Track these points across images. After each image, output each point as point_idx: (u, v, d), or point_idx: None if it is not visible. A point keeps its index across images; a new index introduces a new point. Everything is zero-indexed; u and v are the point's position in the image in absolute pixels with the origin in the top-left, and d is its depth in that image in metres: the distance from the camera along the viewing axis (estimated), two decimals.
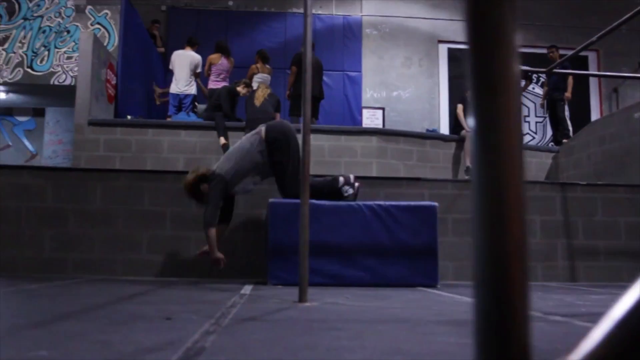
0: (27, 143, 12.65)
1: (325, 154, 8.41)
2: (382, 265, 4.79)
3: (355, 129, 8.86)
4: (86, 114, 8.16)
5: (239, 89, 8.74)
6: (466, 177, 8.72)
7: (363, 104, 13.47)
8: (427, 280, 4.79)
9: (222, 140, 8.07)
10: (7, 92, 10.02)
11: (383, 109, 13.53)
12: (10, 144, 12.67)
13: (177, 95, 9.60)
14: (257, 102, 8.09)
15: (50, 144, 11.96)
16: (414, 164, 8.71)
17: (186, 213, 5.66)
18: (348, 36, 13.45)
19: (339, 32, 13.42)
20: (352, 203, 4.81)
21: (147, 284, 4.61)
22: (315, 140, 8.42)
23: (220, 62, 9.83)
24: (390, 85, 13.56)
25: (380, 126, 13.23)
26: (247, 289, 4.20)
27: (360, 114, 13.50)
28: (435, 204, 4.94)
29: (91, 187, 5.62)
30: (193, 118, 8.68)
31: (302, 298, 3.12)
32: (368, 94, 13.46)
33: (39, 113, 12.39)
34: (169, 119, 9.45)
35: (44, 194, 5.57)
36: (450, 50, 13.90)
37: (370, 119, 13.48)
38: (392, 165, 8.57)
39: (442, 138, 9.01)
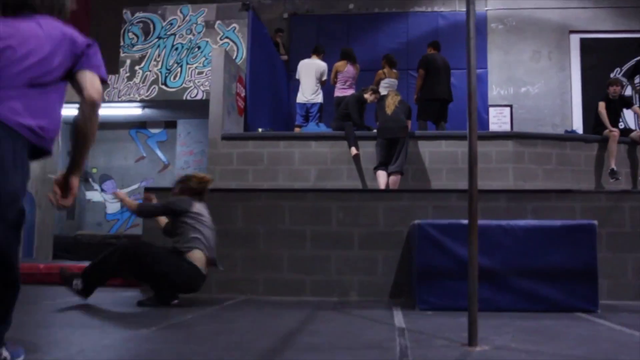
0: (160, 154, 13.22)
1: (459, 160, 8.12)
2: (536, 289, 4.50)
3: (489, 133, 8.49)
4: (219, 128, 8.34)
5: (366, 95, 8.63)
6: (611, 180, 8.15)
7: (489, 102, 12.96)
8: (586, 305, 4.45)
9: (354, 150, 7.98)
10: (142, 107, 10.49)
11: (511, 106, 12.94)
12: (145, 155, 13.29)
13: (304, 104, 9.62)
14: (389, 110, 7.94)
15: (182, 155, 12.42)
16: (553, 168, 8.23)
17: (326, 231, 5.62)
18: None
19: (463, 29, 12.95)
20: (503, 223, 4.55)
21: (292, 306, 4.58)
22: (448, 147, 8.18)
23: (347, 69, 9.75)
24: (517, 81, 12.96)
25: (508, 125, 12.69)
26: (399, 318, 4.07)
27: (487, 113, 12.99)
28: (594, 222, 4.58)
29: (233, 207, 5.70)
30: (323, 128, 8.66)
31: (472, 341, 2.93)
32: (494, 91, 12.94)
33: (170, 125, 12.90)
34: (297, 130, 9.51)
35: None
36: (582, 41, 13.07)
37: (497, 117, 12.94)
38: (531, 171, 8.14)
39: (584, 139, 8.45)
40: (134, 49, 10.14)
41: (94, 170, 13.46)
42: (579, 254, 4.49)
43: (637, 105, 9.03)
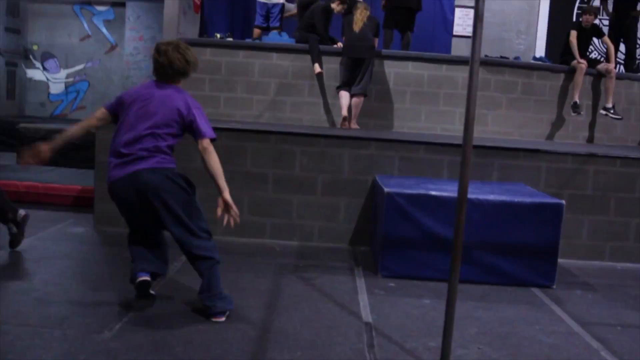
0: (106, 33, 12.38)
1: (424, 84, 7.89)
2: (497, 263, 4.52)
3: (457, 57, 8.21)
4: (174, 31, 7.80)
5: (333, 5, 8.11)
6: (572, 114, 8.12)
7: (456, 2, 12.49)
8: (543, 281, 4.53)
9: (317, 67, 7.61)
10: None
11: None
12: (90, 33, 12.42)
13: (265, 4, 9.02)
14: (356, 26, 7.50)
15: (132, 41, 11.64)
16: (517, 97, 8.11)
17: (289, 175, 5.44)
18: None
19: None
20: (473, 197, 4.46)
21: (253, 256, 4.49)
22: (414, 69, 7.91)
23: None
24: None
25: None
26: (362, 287, 4.09)
27: (453, 14, 12.57)
28: (562, 202, 4.56)
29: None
30: (285, 38, 8.17)
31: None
32: None
33: (118, 4, 11.98)
34: (256, 31, 8.97)
35: None
36: None
37: (463, 18, 12.55)
38: (495, 99, 8.01)
39: (551, 69, 8.26)
40: None
41: (35, 47, 12.58)
42: (543, 232, 4.49)
43: (607, 35, 8.79)
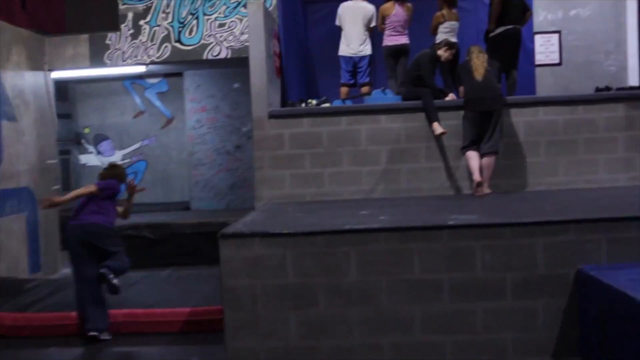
0: (161, 107, 11.48)
1: (560, 131, 6.73)
2: None
3: (594, 96, 7.06)
4: (265, 104, 6.78)
5: (440, 52, 7.06)
6: None
7: (535, 29, 11.34)
8: None
9: (438, 128, 6.51)
10: (146, 66, 8.67)
11: (559, 32, 11.41)
12: (144, 109, 11.54)
13: (351, 58, 7.99)
14: (478, 74, 6.41)
15: (193, 112, 10.71)
16: None
17: (468, 278, 4.28)
18: None
19: None
20: None
21: None
22: (547, 114, 6.78)
23: (395, 11, 8.06)
24: (566, 2, 11.32)
25: (557, 54, 11.27)
26: None
27: (532, 42, 11.43)
28: None
29: (343, 254, 4.30)
30: (390, 96, 7.11)
31: None
32: (541, 16, 11.26)
33: (171, 74, 11.10)
34: (344, 90, 7.94)
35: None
36: None
37: (545, 45, 11.43)
38: None
39: None
40: None
41: (87, 131, 11.72)
42: None
43: None
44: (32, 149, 7.98)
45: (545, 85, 11.19)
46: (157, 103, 11.58)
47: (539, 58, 11.41)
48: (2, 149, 7.35)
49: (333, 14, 8.54)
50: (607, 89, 8.30)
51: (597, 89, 8.42)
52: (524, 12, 8.11)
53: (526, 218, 4.42)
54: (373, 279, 4.28)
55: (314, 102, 7.20)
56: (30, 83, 8.06)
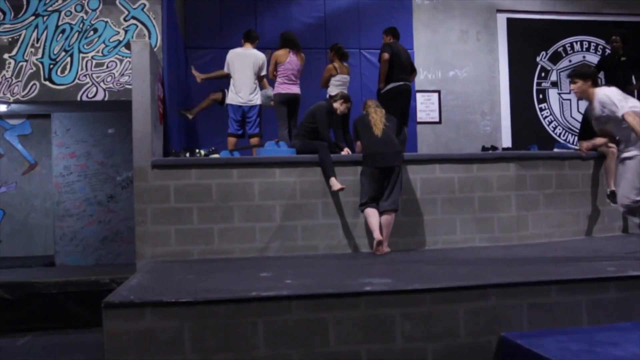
0: (23, 151, 10.37)
1: (455, 189, 6.66)
2: None
3: (489, 155, 7.09)
4: (148, 152, 6.16)
5: (336, 105, 6.83)
6: (612, 204, 7.17)
7: (417, 87, 11.59)
8: None
9: (336, 183, 6.19)
10: (8, 105, 7.70)
11: (439, 92, 11.72)
12: (3, 152, 10.36)
13: (240, 107, 7.59)
14: (377, 129, 6.22)
15: (61, 158, 9.70)
16: (553, 192, 7.06)
17: (388, 350, 3.90)
18: (396, 7, 11.46)
19: (385, 4, 11.41)
20: None
21: None
22: (443, 172, 6.69)
23: (289, 59, 7.81)
24: (445, 63, 11.66)
25: (437, 112, 11.58)
26: None
27: (414, 99, 11.66)
28: None
29: (250, 324, 3.78)
30: (284, 149, 6.73)
31: None
32: (422, 75, 11.54)
33: (35, 116, 10.08)
34: (231, 140, 7.49)
35: None
36: (509, 21, 12.07)
37: (425, 104, 11.69)
38: (533, 197, 6.91)
39: (579, 157, 7.30)
40: (1, 29, 7.33)
41: None
42: None
43: None
44: None
45: (427, 142, 11.41)
46: (19, 146, 10.45)
47: (420, 116, 11.66)
48: None
49: (216, 60, 8.17)
50: (493, 148, 8.50)
51: (484, 148, 8.61)
52: (412, 72, 8.23)
53: (444, 282, 4.13)
54: (283, 353, 3.78)
55: (203, 152, 6.68)
56: None
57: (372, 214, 6.07)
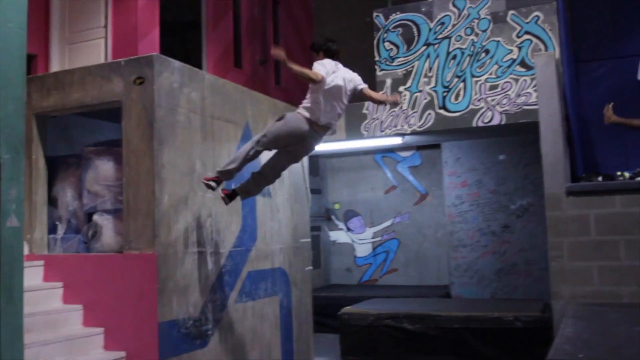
0: (414, 182, 10.60)
1: None
2: None
3: None
4: (561, 178, 5.44)
5: None
6: None
7: None
8: None
9: None
10: (403, 137, 7.82)
11: None
12: (396, 184, 10.74)
13: None
14: None
15: (452, 188, 9.63)
16: None
17: None
18: None
19: None
20: None
21: None
22: None
23: None
24: None
25: None
26: None
27: None
28: None
29: None
30: None
31: None
32: None
33: (424, 147, 10.21)
34: None
35: None
36: None
37: None
38: None
39: None
40: (395, 63, 7.48)
41: (337, 207, 11.21)
42: None
43: None
44: (286, 227, 7.44)
45: None
46: (410, 177, 10.72)
47: None
48: (256, 226, 6.85)
49: (611, 73, 7.05)
50: None
51: None
52: None
53: None
54: None
55: (627, 174, 5.68)
56: None
57: None
